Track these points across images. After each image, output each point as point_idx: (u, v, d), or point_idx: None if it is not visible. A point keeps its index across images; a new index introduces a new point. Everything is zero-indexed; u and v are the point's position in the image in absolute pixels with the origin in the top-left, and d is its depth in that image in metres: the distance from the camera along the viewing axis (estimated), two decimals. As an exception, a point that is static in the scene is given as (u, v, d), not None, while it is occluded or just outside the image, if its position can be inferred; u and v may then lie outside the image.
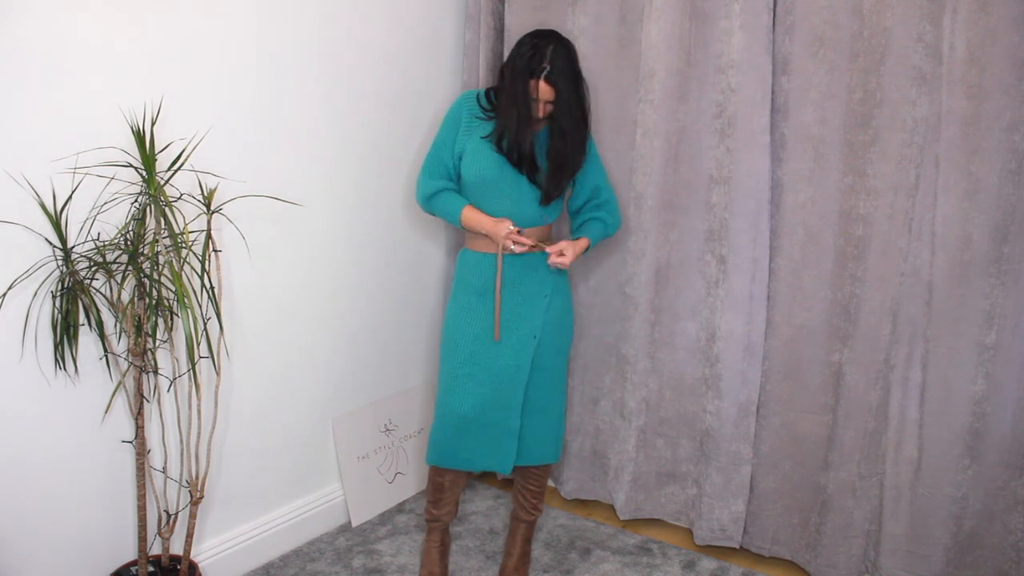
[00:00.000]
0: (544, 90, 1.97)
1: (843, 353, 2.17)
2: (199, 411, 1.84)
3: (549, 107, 2.00)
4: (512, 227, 2.03)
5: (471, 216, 2.06)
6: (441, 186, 2.10)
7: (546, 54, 1.95)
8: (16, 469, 1.70)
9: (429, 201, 2.13)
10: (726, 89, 2.19)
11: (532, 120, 2.01)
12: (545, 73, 1.95)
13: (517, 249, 2.03)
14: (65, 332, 1.62)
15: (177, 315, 1.68)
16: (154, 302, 1.64)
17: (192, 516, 1.87)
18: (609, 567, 2.32)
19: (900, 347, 2.07)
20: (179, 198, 1.75)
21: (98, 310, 1.66)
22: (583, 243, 2.13)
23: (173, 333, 1.82)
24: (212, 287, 1.71)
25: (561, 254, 2.05)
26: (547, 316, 2.10)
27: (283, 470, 2.32)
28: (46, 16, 1.61)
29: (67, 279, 1.61)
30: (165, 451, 1.92)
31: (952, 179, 1.93)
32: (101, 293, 1.69)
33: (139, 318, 1.66)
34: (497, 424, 2.09)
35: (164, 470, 1.92)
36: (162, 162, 1.71)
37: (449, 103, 2.70)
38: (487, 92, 2.13)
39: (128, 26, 1.75)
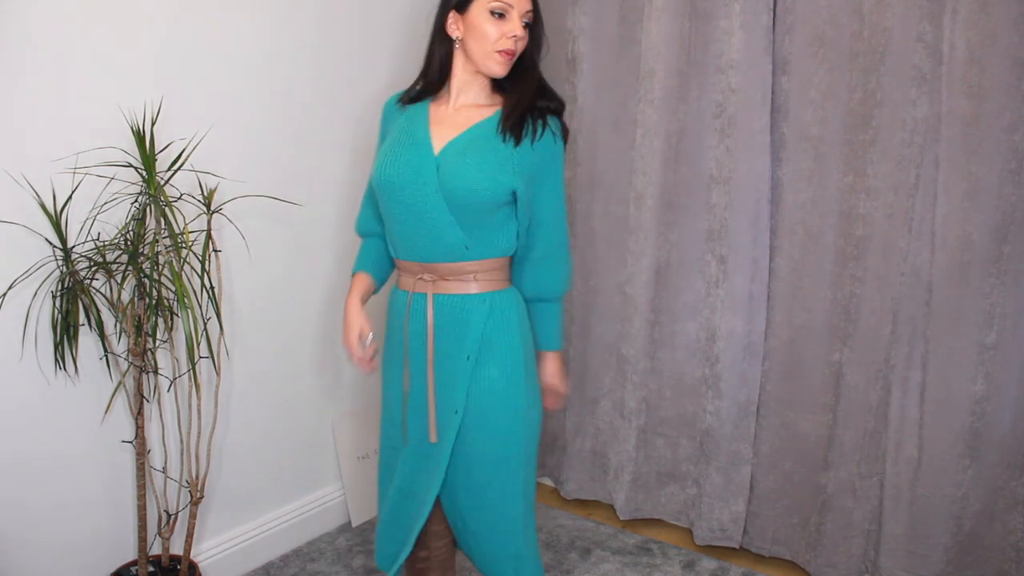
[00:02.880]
0: None
1: (843, 353, 2.17)
2: (199, 411, 1.84)
3: (523, 35, 1.48)
4: (361, 334, 1.55)
5: (352, 287, 1.63)
6: (367, 229, 1.69)
7: None
8: (16, 469, 1.70)
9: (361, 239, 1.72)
10: (726, 89, 2.19)
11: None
12: None
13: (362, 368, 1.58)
14: (65, 332, 1.62)
15: (177, 315, 1.68)
16: (154, 302, 1.64)
17: (192, 516, 1.87)
18: (609, 567, 2.32)
19: (900, 347, 2.07)
20: (179, 198, 1.75)
21: (98, 310, 1.66)
22: (555, 361, 1.65)
23: (173, 333, 1.82)
24: (212, 287, 1.71)
25: (554, 403, 1.66)
26: (473, 386, 1.50)
27: (283, 470, 2.32)
28: (46, 16, 1.61)
29: (67, 279, 1.61)
30: (165, 451, 1.92)
31: (952, 179, 1.93)
32: (101, 293, 1.69)
33: (139, 318, 1.66)
34: (409, 515, 1.59)
35: (164, 470, 1.92)
36: (162, 162, 1.71)
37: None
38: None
39: (128, 26, 1.75)
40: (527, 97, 1.51)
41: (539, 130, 1.50)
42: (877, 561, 2.18)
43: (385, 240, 1.64)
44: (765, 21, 2.12)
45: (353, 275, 1.66)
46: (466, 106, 1.55)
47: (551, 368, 1.66)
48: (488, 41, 1.47)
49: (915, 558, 2.10)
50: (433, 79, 1.57)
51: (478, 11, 1.47)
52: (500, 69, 1.49)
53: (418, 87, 1.60)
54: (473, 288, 1.51)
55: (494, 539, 1.59)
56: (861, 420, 2.15)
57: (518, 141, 1.48)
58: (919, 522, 2.09)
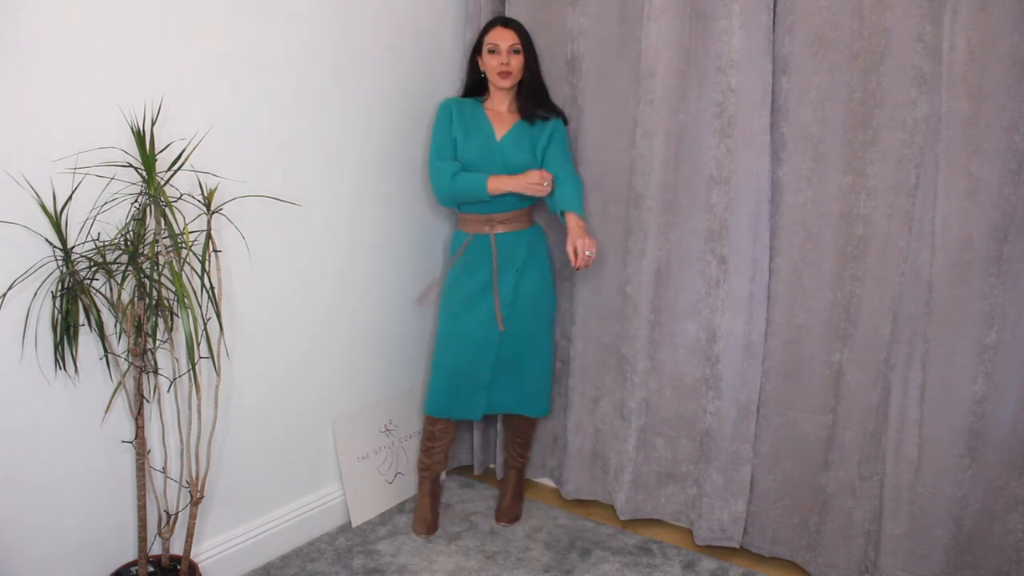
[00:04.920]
0: (505, 33, 2.29)
1: (843, 353, 2.17)
2: (199, 411, 1.84)
3: (514, 59, 2.29)
4: (537, 173, 2.28)
5: (496, 182, 2.29)
6: (457, 167, 2.33)
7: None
8: (16, 469, 1.70)
9: (454, 179, 2.31)
10: (726, 89, 2.19)
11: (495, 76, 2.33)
12: (502, 22, 2.33)
13: (545, 189, 2.27)
14: (65, 332, 1.62)
15: (177, 315, 1.68)
16: (154, 302, 1.64)
17: (192, 516, 1.87)
18: (609, 567, 2.32)
19: (900, 347, 2.07)
20: (179, 198, 1.75)
21: (98, 310, 1.66)
22: (577, 223, 2.22)
23: (173, 333, 1.82)
24: (212, 287, 1.71)
25: (580, 253, 2.16)
26: (518, 288, 2.36)
27: (283, 470, 2.32)
28: (46, 16, 1.61)
29: (67, 279, 1.61)
30: (165, 451, 1.92)
31: (952, 179, 1.93)
32: (101, 293, 1.69)
33: (139, 318, 1.66)
34: (472, 378, 2.40)
35: (164, 470, 1.92)
36: (162, 162, 1.71)
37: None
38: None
39: (128, 26, 1.75)
40: (532, 102, 2.38)
41: (549, 118, 2.39)
42: (877, 561, 2.18)
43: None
44: (765, 21, 2.12)
45: (487, 179, 2.30)
46: (505, 111, 2.40)
47: (573, 224, 2.20)
48: (490, 68, 2.34)
49: (915, 558, 2.10)
50: (471, 93, 2.45)
51: (484, 51, 2.34)
52: (502, 83, 2.33)
53: (462, 95, 2.49)
54: (517, 226, 2.39)
55: (536, 366, 2.46)
56: (861, 420, 2.15)
57: (542, 119, 2.39)
58: (919, 522, 2.09)
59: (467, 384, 2.42)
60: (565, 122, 2.40)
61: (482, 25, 2.54)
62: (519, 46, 2.30)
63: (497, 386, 2.44)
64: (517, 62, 2.30)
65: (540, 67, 2.39)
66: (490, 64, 2.31)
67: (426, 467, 2.55)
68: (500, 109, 2.39)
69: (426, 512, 2.50)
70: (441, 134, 2.36)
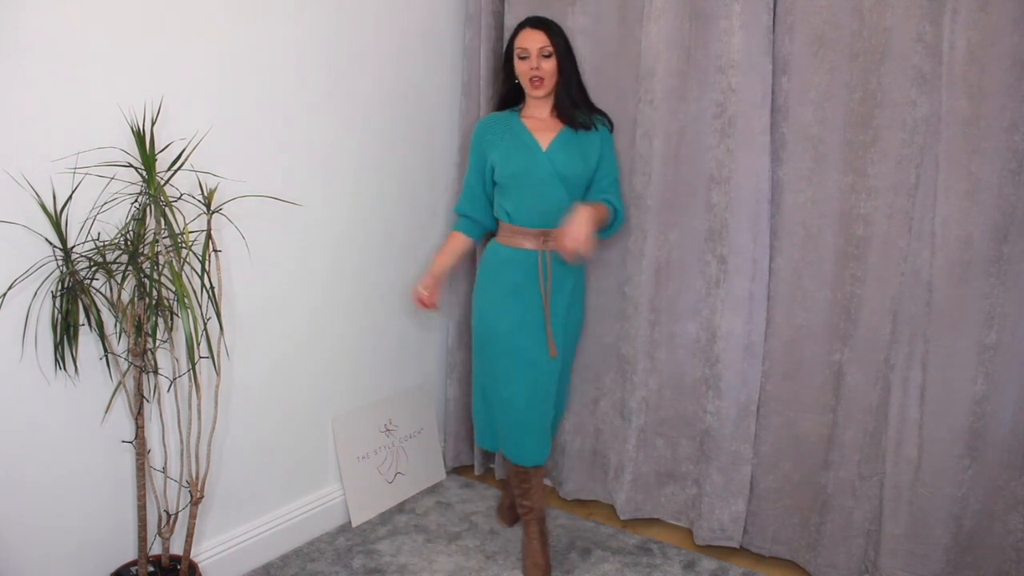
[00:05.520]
0: (534, 36, 2.09)
1: (843, 353, 2.17)
2: (199, 411, 1.84)
3: (546, 63, 2.10)
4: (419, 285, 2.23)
5: (445, 244, 2.29)
6: (467, 221, 2.27)
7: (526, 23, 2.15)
8: (16, 469, 1.70)
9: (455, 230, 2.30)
10: (726, 89, 2.19)
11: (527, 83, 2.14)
12: (531, 23, 2.12)
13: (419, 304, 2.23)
14: (65, 332, 1.62)
15: (177, 315, 1.68)
16: (154, 302, 1.64)
17: (192, 516, 1.87)
18: (609, 567, 2.32)
19: (900, 347, 2.07)
20: (179, 198, 1.75)
21: (98, 310, 1.66)
22: (588, 210, 2.00)
23: (173, 333, 1.82)
24: (212, 287, 1.71)
25: (573, 240, 1.95)
26: (569, 308, 2.21)
27: (283, 470, 2.32)
28: (46, 16, 1.61)
29: (67, 279, 1.61)
30: (165, 451, 1.92)
31: (952, 179, 1.93)
32: (101, 293, 1.69)
33: (139, 318, 1.66)
34: (539, 412, 2.18)
35: (164, 470, 1.92)
36: (162, 162, 1.71)
37: (449, 103, 2.71)
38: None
39: (129, 26, 1.75)
40: (571, 107, 2.15)
41: (596, 125, 2.19)
42: (877, 561, 2.18)
43: (476, 224, 2.28)
44: (765, 21, 2.12)
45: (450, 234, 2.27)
46: (548, 117, 2.18)
47: (586, 210, 2.00)
48: (521, 75, 2.14)
49: (915, 558, 2.10)
50: (507, 104, 2.24)
51: (514, 57, 2.14)
52: (535, 91, 2.13)
53: (495, 109, 2.33)
54: None
55: (563, 379, 2.33)
56: (861, 420, 2.15)
57: (586, 127, 2.16)
58: (919, 522, 2.09)
59: (536, 417, 2.18)
60: (610, 127, 2.23)
61: (483, 26, 2.54)
62: (550, 49, 2.09)
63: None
64: (549, 66, 2.10)
65: (578, 68, 2.19)
66: (521, 71, 2.12)
67: (529, 509, 2.27)
68: (541, 116, 2.18)
69: (537, 557, 2.24)
70: (471, 170, 2.24)
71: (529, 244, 2.14)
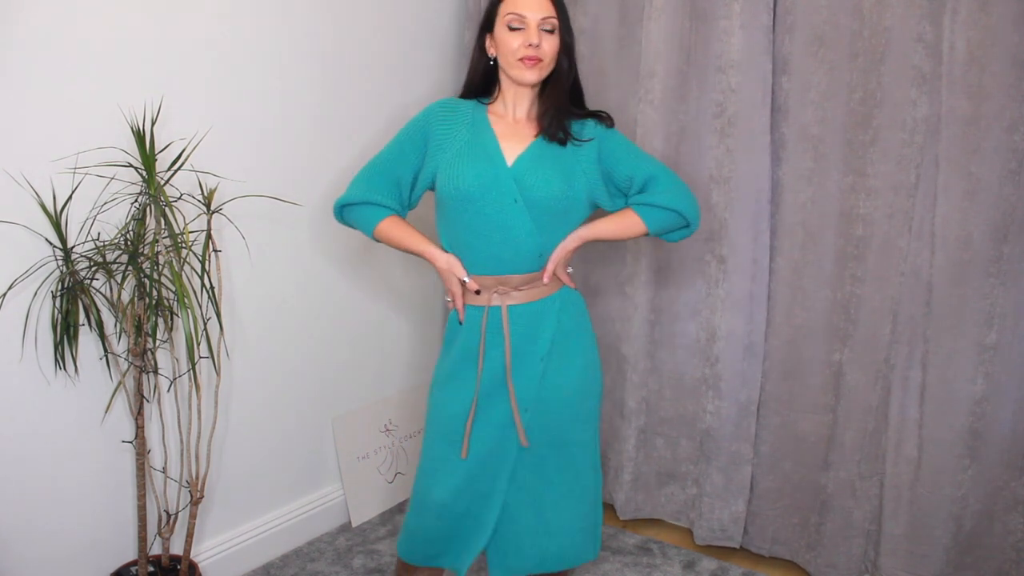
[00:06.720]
0: (532, 2, 1.53)
1: (843, 353, 2.17)
2: (199, 411, 1.84)
3: (548, 40, 1.55)
4: (462, 273, 1.59)
5: (392, 231, 1.61)
6: (369, 198, 1.64)
7: None
8: (16, 469, 1.70)
9: (342, 209, 1.69)
10: (726, 89, 2.19)
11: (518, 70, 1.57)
12: None
13: (450, 306, 1.64)
14: (65, 332, 1.62)
15: (177, 315, 1.68)
16: (154, 302, 1.64)
17: (192, 516, 1.87)
18: (609, 567, 2.32)
19: (900, 347, 2.07)
20: (179, 198, 1.75)
21: (98, 310, 1.66)
22: (592, 228, 1.61)
23: (173, 333, 1.82)
24: (212, 287, 1.71)
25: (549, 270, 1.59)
26: (544, 383, 1.60)
27: (283, 470, 2.32)
28: (46, 16, 1.61)
29: (67, 279, 1.61)
30: (165, 451, 1.92)
31: (952, 179, 1.93)
32: (101, 293, 1.69)
33: (139, 318, 1.66)
34: (470, 515, 1.64)
35: (164, 470, 1.92)
36: (162, 162, 1.71)
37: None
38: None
39: (128, 26, 1.75)
40: (557, 102, 1.60)
41: (584, 129, 1.63)
42: (877, 561, 2.18)
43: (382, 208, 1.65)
44: (765, 21, 2.12)
45: (380, 220, 1.64)
46: (523, 120, 1.63)
47: (575, 236, 1.63)
48: (509, 52, 1.55)
49: (915, 558, 2.10)
50: (475, 92, 1.67)
51: (499, 27, 1.57)
52: (527, 75, 1.56)
53: (461, 95, 1.70)
54: (544, 292, 1.61)
55: (578, 494, 1.65)
56: (861, 420, 2.15)
57: (564, 142, 1.59)
58: (919, 522, 2.09)
59: (465, 523, 1.65)
60: (609, 123, 1.66)
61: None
62: (555, 22, 1.55)
63: (511, 528, 1.65)
64: (551, 45, 1.56)
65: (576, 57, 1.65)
66: (509, 45, 1.54)
67: None
68: (514, 116, 1.63)
69: None
70: (393, 152, 1.64)
71: (474, 299, 1.59)
